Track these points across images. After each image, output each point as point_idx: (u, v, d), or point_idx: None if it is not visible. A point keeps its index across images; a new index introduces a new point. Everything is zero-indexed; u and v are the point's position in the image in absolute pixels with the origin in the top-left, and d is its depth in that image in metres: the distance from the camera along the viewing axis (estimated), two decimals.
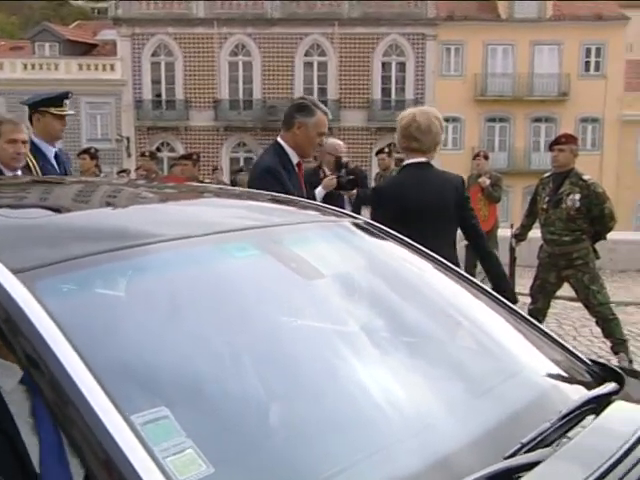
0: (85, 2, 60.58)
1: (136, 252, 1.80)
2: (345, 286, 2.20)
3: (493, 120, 38.08)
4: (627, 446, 1.64)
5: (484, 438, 1.71)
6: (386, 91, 37.82)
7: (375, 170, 12.65)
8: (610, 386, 2.02)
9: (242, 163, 34.54)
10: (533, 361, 2.18)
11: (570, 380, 2.14)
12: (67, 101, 5.41)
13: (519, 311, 2.39)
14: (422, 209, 4.05)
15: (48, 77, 35.36)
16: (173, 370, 1.61)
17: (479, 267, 5.71)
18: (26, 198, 2.44)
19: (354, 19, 36.67)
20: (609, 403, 1.92)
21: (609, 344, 6.47)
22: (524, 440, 1.64)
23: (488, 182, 9.75)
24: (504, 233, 8.96)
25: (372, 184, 10.92)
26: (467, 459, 1.61)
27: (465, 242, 4.55)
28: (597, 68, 37.94)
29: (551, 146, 6.53)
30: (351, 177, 6.30)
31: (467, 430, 1.74)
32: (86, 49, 39.88)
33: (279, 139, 4.55)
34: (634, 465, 1.59)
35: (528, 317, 2.36)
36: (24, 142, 4.65)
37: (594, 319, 6.50)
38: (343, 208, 4.23)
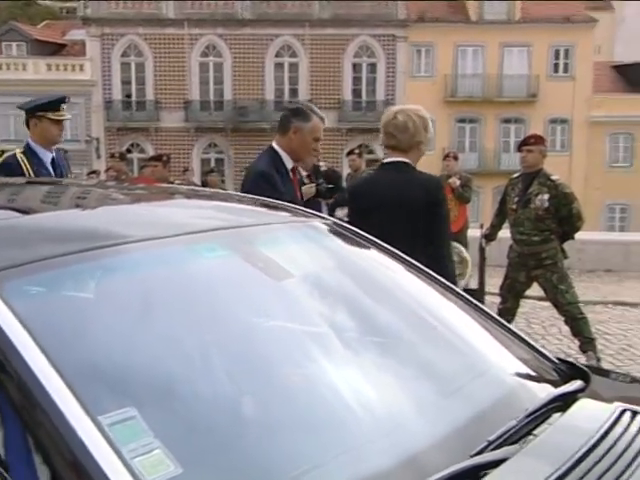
0: (53, 2, 60.03)
1: (105, 253, 1.80)
2: (314, 286, 2.21)
3: (463, 121, 38.29)
4: (591, 443, 1.66)
5: (452, 437, 1.72)
6: (357, 92, 37.90)
7: (346, 171, 12.66)
8: (576, 384, 2.04)
9: (213, 164, 34.56)
10: (501, 360, 2.20)
11: (537, 378, 2.16)
12: (64, 105, 5.34)
13: (487, 310, 2.41)
14: (389, 208, 4.01)
15: (16, 77, 35.08)
16: (141, 371, 1.61)
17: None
18: None
19: (325, 20, 36.70)
20: (575, 401, 1.94)
21: (578, 343, 6.53)
22: (490, 438, 1.66)
23: (458, 183, 9.80)
24: (474, 233, 9.01)
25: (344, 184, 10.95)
26: (435, 457, 1.62)
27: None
28: (566, 70, 38.28)
29: (520, 147, 6.59)
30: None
31: (435, 429, 1.75)
32: (55, 49, 39.57)
33: (274, 144, 4.49)
34: (598, 461, 1.62)
35: (496, 316, 2.38)
36: None
37: (563, 318, 6.57)
38: (320, 212, 4.24)
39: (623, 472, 1.61)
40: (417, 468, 1.59)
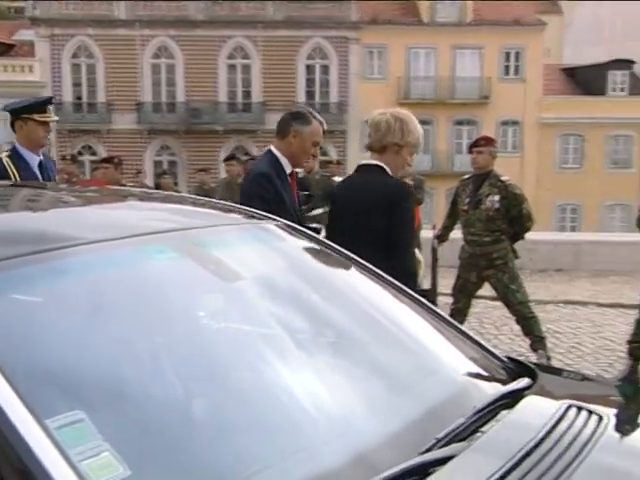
0: (0, 1, 59.18)
1: (55, 255, 1.79)
2: (265, 288, 2.21)
3: None
4: (538, 438, 1.70)
5: (402, 435, 1.75)
6: (310, 94, 37.91)
7: (301, 173, 12.64)
8: (524, 381, 2.08)
9: (166, 166, 34.31)
10: (450, 359, 2.23)
11: (486, 377, 2.19)
12: (51, 106, 5.21)
13: (437, 310, 2.44)
14: (351, 213, 3.98)
15: None
16: (90, 374, 1.60)
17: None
18: None
19: (278, 22, 36.68)
20: (522, 398, 1.98)
21: (529, 341, 6.61)
22: (439, 435, 1.68)
23: (411, 184, 9.85)
24: (427, 234, 9.07)
25: None
26: (384, 456, 1.64)
27: None
28: (516, 72, 38.73)
29: (470, 148, 6.66)
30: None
31: (386, 428, 1.77)
32: (2, 50, 38.97)
33: (272, 148, 4.42)
34: (544, 456, 1.65)
35: (445, 316, 2.41)
36: None
37: (514, 317, 6.64)
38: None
39: (568, 466, 1.65)
40: (367, 466, 1.60)
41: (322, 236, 3.65)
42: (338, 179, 12.27)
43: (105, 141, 36.86)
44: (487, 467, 1.57)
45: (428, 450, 1.64)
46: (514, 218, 6.45)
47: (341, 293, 2.35)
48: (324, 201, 11.29)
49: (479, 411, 1.82)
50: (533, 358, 6.33)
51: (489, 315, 8.38)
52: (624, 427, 2.12)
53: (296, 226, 2.55)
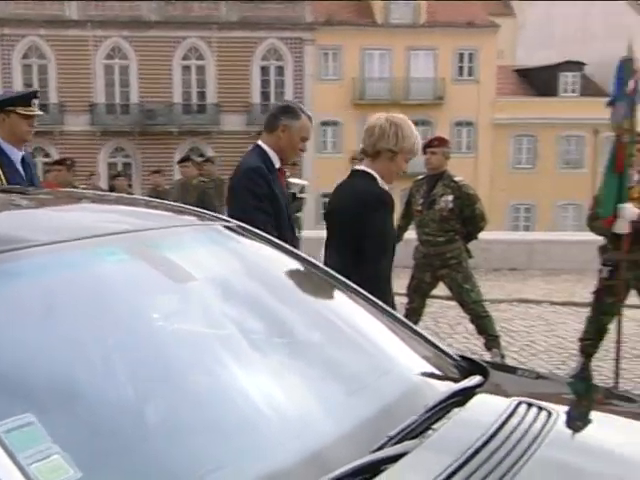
0: None
1: (5, 258, 1.77)
2: (217, 289, 2.21)
3: None
4: (488, 434, 1.72)
5: (355, 434, 1.76)
6: (265, 95, 37.90)
7: None
8: (475, 379, 2.10)
9: (120, 168, 33.99)
10: (403, 358, 2.25)
11: (438, 375, 2.21)
12: (36, 101, 5.05)
13: (391, 310, 2.46)
14: (329, 219, 3.97)
15: None
16: (41, 377, 1.59)
17: None
18: None
19: (232, 23, 36.60)
20: (474, 395, 2.00)
21: (483, 340, 6.68)
22: (391, 433, 1.70)
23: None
24: None
25: None
26: (337, 454, 1.65)
27: None
28: (470, 73, 39.08)
29: (424, 149, 6.70)
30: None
31: (339, 427, 1.78)
32: None
33: (260, 142, 4.33)
34: (494, 452, 1.67)
35: (398, 315, 2.43)
36: None
37: (468, 317, 6.70)
38: None
39: (517, 461, 1.67)
40: (320, 465, 1.61)
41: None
42: (293, 180, 12.29)
43: (57, 143, 36.43)
44: (438, 464, 1.59)
45: (380, 448, 1.65)
46: (467, 218, 6.50)
47: (294, 294, 2.36)
48: None
49: (431, 409, 1.84)
50: (487, 357, 6.39)
51: (444, 315, 8.44)
52: (574, 423, 2.16)
53: (248, 227, 2.55)
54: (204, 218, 2.54)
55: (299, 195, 12.22)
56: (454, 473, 1.57)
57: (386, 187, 3.82)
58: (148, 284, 2.05)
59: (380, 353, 2.26)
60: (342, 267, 3.73)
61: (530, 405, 1.93)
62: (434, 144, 6.65)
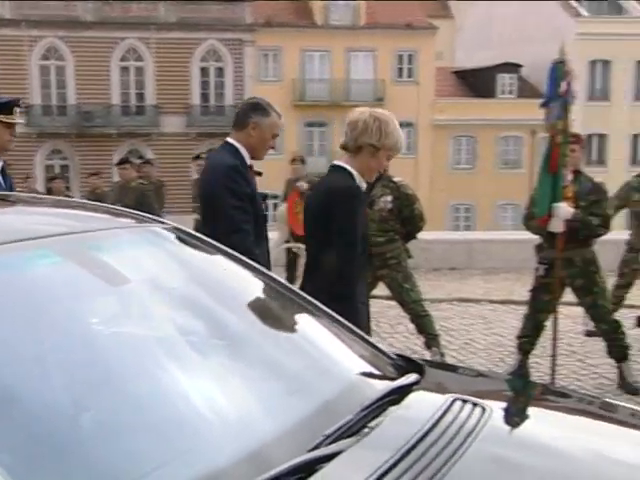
0: None
1: None
2: (153, 291, 2.20)
3: (312, 125, 38.75)
4: (423, 431, 1.74)
5: (291, 433, 1.77)
6: (205, 96, 37.73)
7: (195, 176, 12.58)
8: (412, 377, 2.12)
9: (58, 170, 33.49)
10: (340, 357, 2.27)
11: (375, 374, 2.23)
12: (18, 109, 4.89)
13: (328, 310, 2.47)
14: (306, 215, 3.89)
15: None
16: None
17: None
18: None
19: (171, 23, 36.34)
20: (410, 393, 2.03)
21: (423, 339, 6.74)
22: (327, 432, 1.71)
23: (306, 186, 9.89)
24: None
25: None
26: (274, 454, 1.66)
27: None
28: (410, 75, 39.41)
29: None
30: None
31: (276, 426, 1.79)
32: None
33: (230, 140, 4.26)
34: (429, 448, 1.70)
35: (336, 316, 2.44)
36: None
37: (408, 316, 6.75)
38: None
39: (452, 456, 1.70)
40: (257, 465, 1.62)
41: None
42: None
43: None
44: (374, 461, 1.61)
45: (316, 447, 1.67)
46: (406, 218, 6.55)
47: (231, 295, 2.36)
48: None
49: (367, 407, 1.86)
50: (427, 355, 6.46)
51: (384, 314, 8.48)
52: (509, 418, 2.20)
53: (185, 229, 2.53)
54: (141, 220, 2.52)
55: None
56: (389, 470, 1.58)
57: (363, 184, 3.73)
58: (82, 287, 2.03)
59: (317, 352, 2.27)
60: (315, 264, 3.75)
61: (465, 401, 1.96)
62: None
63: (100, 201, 6.58)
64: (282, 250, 10.68)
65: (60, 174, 26.30)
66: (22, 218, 2.33)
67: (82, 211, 2.59)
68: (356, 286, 3.65)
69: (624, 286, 7.84)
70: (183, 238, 2.49)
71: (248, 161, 4.25)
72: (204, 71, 37.65)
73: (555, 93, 5.56)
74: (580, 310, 6.77)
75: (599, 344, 6.54)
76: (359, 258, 3.68)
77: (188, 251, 2.48)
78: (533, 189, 6.19)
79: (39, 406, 1.60)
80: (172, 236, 2.46)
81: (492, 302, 9.83)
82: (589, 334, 7.37)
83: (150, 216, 2.57)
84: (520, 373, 6.23)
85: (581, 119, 33.21)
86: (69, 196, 14.61)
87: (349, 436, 1.74)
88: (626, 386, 6.08)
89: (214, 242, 2.57)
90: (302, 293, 2.50)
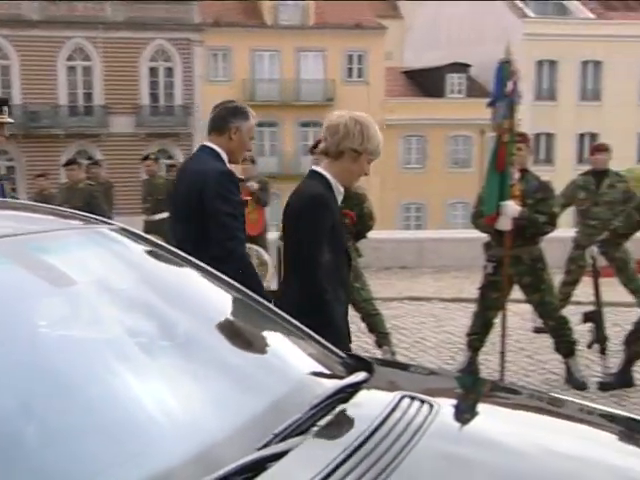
0: None
1: None
2: (100, 292, 2.18)
3: (262, 125, 38.62)
4: (371, 429, 1.76)
5: (242, 432, 1.77)
6: (154, 96, 37.47)
7: (144, 176, 12.50)
8: (360, 375, 2.14)
9: (3, 172, 32.95)
10: (290, 356, 2.27)
11: (324, 372, 2.24)
12: (6, 108, 4.76)
13: (276, 310, 2.47)
14: (282, 224, 3.81)
15: None
16: None
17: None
18: None
19: (118, 23, 35.98)
20: (358, 391, 2.04)
21: (374, 338, 6.76)
22: (276, 431, 1.71)
23: (256, 186, 9.87)
24: (274, 236, 9.14)
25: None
26: (224, 453, 1.66)
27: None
28: (359, 74, 39.56)
29: (312, 150, 6.75)
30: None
31: (225, 425, 1.79)
32: None
33: (210, 144, 4.20)
34: (377, 445, 1.71)
35: (285, 315, 2.44)
36: None
37: (359, 315, 6.78)
38: None
39: (400, 452, 1.72)
40: (206, 464, 1.61)
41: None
42: None
43: None
44: (322, 459, 1.62)
45: (265, 446, 1.67)
46: (356, 217, 6.57)
47: (179, 295, 2.35)
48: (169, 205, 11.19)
49: (316, 406, 1.87)
50: (379, 354, 6.49)
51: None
52: (458, 415, 2.22)
53: (132, 230, 2.52)
54: (87, 221, 2.50)
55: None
56: (338, 467, 1.59)
57: (340, 189, 3.62)
58: (26, 289, 2.01)
59: (267, 351, 2.28)
60: (290, 273, 3.67)
61: (413, 398, 1.98)
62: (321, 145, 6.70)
63: (47, 203, 6.50)
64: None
65: (6, 176, 25.95)
66: None
67: (27, 212, 2.56)
68: (327, 296, 3.48)
69: (571, 283, 7.97)
70: (130, 239, 2.47)
71: (228, 166, 4.22)
72: (153, 71, 37.38)
73: (501, 93, 5.63)
74: (528, 307, 6.85)
75: (547, 340, 6.63)
76: (325, 269, 3.51)
77: (135, 252, 2.46)
78: (481, 188, 6.26)
79: None
80: (119, 237, 2.44)
81: (443, 300, 9.91)
82: (537, 331, 7.48)
83: (97, 217, 2.55)
84: (470, 370, 6.30)
85: (529, 118, 33.67)
86: (15, 198, 14.37)
87: (298, 434, 1.75)
88: (573, 381, 6.18)
89: (161, 243, 2.55)
90: (251, 292, 2.49)
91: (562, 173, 24.56)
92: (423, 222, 39.22)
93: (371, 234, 6.85)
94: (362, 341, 7.43)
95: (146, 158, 11.62)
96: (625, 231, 6.10)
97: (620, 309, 8.23)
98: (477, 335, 6.38)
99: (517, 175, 5.84)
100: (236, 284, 2.47)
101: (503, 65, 5.65)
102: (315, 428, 1.80)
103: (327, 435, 1.78)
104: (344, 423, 1.86)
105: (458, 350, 7.04)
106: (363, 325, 6.88)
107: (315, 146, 6.81)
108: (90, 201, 10.24)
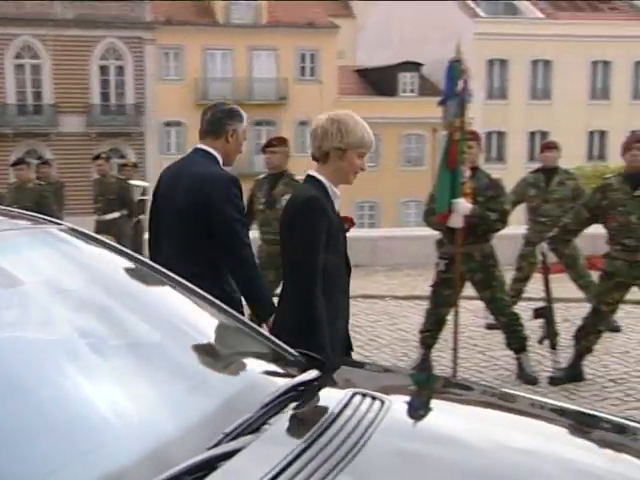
0: None
1: None
2: (47, 292, 2.16)
3: None
4: (323, 426, 1.76)
5: (193, 431, 1.77)
6: (105, 95, 37.09)
7: (95, 176, 12.36)
8: (312, 374, 2.14)
9: None
10: (242, 356, 2.27)
11: (276, 371, 2.24)
12: None
13: (228, 308, 2.46)
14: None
15: None
16: None
17: None
18: None
19: (68, 20, 35.53)
20: (310, 389, 2.04)
21: None
22: (227, 430, 1.71)
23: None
24: None
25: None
26: (176, 452, 1.66)
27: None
28: (312, 73, 39.58)
29: (264, 149, 6.76)
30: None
31: (177, 425, 1.78)
32: None
33: (205, 147, 4.12)
34: (329, 442, 1.71)
35: (236, 314, 2.43)
36: None
37: None
38: None
39: (352, 448, 1.72)
40: (157, 464, 1.61)
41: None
42: (134, 182, 12.12)
43: None
44: (273, 457, 1.62)
45: (217, 445, 1.67)
46: None
47: (129, 295, 2.33)
48: (120, 205, 11.11)
49: (267, 404, 1.87)
50: None
51: None
52: (410, 411, 2.24)
53: (82, 230, 2.49)
54: (36, 221, 2.46)
55: (141, 197, 12.05)
56: (289, 465, 1.59)
57: (336, 192, 3.59)
58: None
59: (218, 351, 2.27)
60: (285, 282, 3.62)
61: (364, 395, 1.98)
62: (274, 144, 6.73)
63: None
64: None
65: None
66: None
67: None
68: (316, 302, 3.40)
69: (522, 279, 8.06)
70: (79, 239, 2.45)
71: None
72: (104, 69, 37.00)
73: (452, 91, 5.67)
74: (480, 304, 6.91)
75: (499, 336, 6.70)
76: (322, 274, 3.44)
77: (84, 252, 2.43)
78: (433, 186, 6.30)
79: None
80: (68, 237, 2.41)
81: (396, 298, 9.94)
82: (489, 327, 7.55)
83: (45, 217, 2.51)
84: (423, 367, 6.34)
85: (480, 117, 34.00)
86: None
87: (249, 433, 1.74)
88: (525, 376, 6.25)
89: (111, 243, 2.53)
90: (202, 292, 2.48)
91: (514, 171, 24.78)
92: (377, 220, 39.36)
93: None
94: None
95: (97, 157, 11.50)
96: (574, 228, 6.19)
97: (570, 305, 8.34)
98: (430, 332, 6.42)
99: (468, 173, 5.88)
100: (186, 283, 2.46)
101: (453, 64, 5.69)
102: (266, 427, 1.80)
103: (278, 433, 1.79)
104: (295, 421, 1.86)
105: (412, 347, 7.07)
106: None
107: (268, 145, 6.82)
108: (40, 201, 10.11)
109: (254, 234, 7.04)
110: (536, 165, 8.38)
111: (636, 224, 5.76)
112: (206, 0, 38.22)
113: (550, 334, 6.26)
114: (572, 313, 7.95)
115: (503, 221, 6.08)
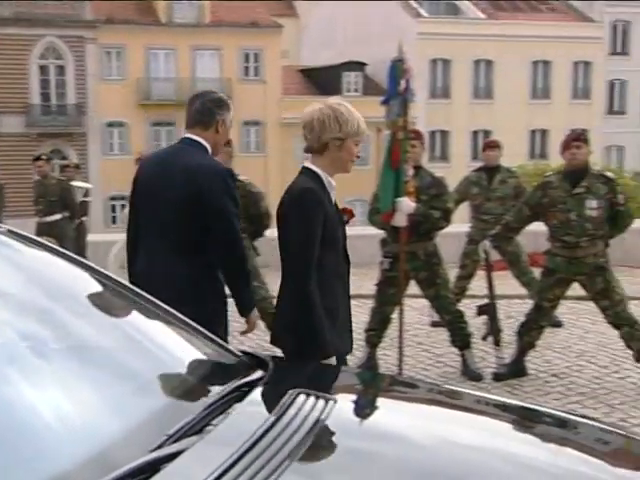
0: None
1: None
2: None
3: (159, 124, 38.22)
4: (267, 425, 1.76)
5: (135, 434, 1.75)
6: (45, 96, 36.57)
7: (36, 178, 12.17)
8: (256, 374, 2.14)
9: None
10: (184, 357, 2.25)
11: (219, 372, 2.23)
12: None
13: (170, 309, 2.44)
14: None
15: None
16: None
17: None
18: None
19: (6, 19, 34.91)
20: (254, 389, 2.04)
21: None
22: (169, 432, 1.70)
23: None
24: None
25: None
26: (118, 455, 1.64)
27: None
28: (256, 73, 39.54)
29: None
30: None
31: (119, 428, 1.76)
32: None
33: (194, 137, 4.00)
34: (273, 441, 1.71)
35: (179, 314, 2.41)
36: None
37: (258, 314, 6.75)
38: None
39: (296, 447, 1.72)
40: (99, 467, 1.59)
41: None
42: (76, 183, 11.96)
43: None
44: (216, 457, 1.61)
45: (159, 447, 1.66)
46: (253, 216, 6.56)
47: (69, 298, 2.29)
48: (62, 206, 10.95)
49: (210, 405, 1.86)
50: (279, 352, 6.47)
51: (234, 312, 8.46)
52: (355, 410, 2.25)
53: (20, 232, 2.44)
54: None
55: (83, 199, 11.90)
56: (233, 465, 1.59)
57: (332, 183, 3.59)
58: None
59: (160, 352, 2.24)
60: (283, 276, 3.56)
61: (308, 395, 1.98)
62: None
63: None
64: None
65: None
66: None
67: None
68: (313, 298, 3.43)
69: (465, 277, 8.14)
70: (18, 241, 2.40)
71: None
72: (43, 69, 36.47)
73: (395, 91, 5.70)
74: (425, 302, 6.97)
75: (444, 334, 6.76)
76: (319, 267, 3.46)
77: (24, 255, 2.39)
78: (377, 185, 6.32)
79: None
80: (6, 240, 2.37)
81: None
82: (434, 325, 7.62)
83: None
84: (369, 365, 6.37)
85: (424, 116, 34.30)
86: None
87: (192, 435, 1.73)
88: (469, 373, 6.32)
89: (52, 245, 2.49)
90: (144, 293, 2.45)
91: (457, 169, 25.04)
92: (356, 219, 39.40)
93: (269, 232, 6.83)
94: (263, 340, 7.41)
95: (37, 159, 11.32)
96: (516, 225, 6.27)
97: (513, 301, 8.46)
98: (375, 331, 6.46)
99: (411, 172, 5.92)
100: (128, 284, 2.43)
101: (396, 64, 5.72)
102: (209, 428, 1.80)
103: (222, 434, 1.78)
104: (239, 422, 1.85)
105: (357, 346, 7.08)
106: (263, 323, 6.87)
107: None
108: None
109: None
110: (479, 164, 8.48)
111: (575, 221, 5.85)
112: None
113: (494, 331, 6.33)
114: (515, 309, 8.07)
115: (446, 219, 6.14)
